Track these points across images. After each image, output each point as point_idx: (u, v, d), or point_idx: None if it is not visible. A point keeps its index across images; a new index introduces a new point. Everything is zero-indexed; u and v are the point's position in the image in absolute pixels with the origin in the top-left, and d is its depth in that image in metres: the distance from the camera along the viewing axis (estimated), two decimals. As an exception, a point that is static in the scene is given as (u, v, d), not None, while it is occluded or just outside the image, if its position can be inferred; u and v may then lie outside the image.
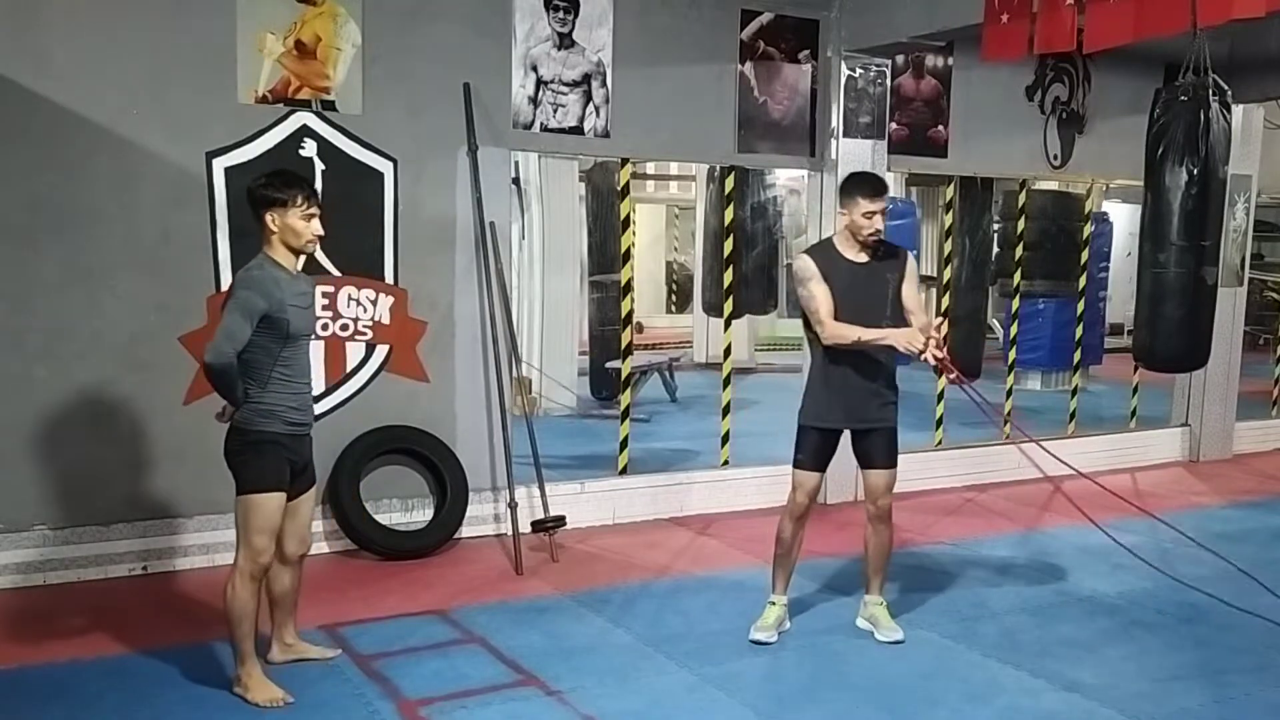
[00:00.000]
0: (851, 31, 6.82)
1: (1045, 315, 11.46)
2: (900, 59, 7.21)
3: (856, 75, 6.95)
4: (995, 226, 9.87)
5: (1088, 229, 8.97)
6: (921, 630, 4.79)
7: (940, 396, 7.78)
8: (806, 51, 6.91)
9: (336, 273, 5.72)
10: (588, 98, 6.26)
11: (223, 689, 4.03)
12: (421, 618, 4.89)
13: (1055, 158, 8.19)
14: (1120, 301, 14.40)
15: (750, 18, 6.71)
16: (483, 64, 5.97)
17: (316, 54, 5.58)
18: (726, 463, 7.03)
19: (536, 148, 6.93)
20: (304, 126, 5.58)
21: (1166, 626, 4.96)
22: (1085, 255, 8.86)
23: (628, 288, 6.68)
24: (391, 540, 5.78)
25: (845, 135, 6.94)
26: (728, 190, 7.06)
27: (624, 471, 6.70)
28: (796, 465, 4.65)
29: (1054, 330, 11.45)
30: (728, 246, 7.18)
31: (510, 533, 5.76)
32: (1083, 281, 8.86)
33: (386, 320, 5.88)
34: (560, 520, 5.89)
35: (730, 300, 7.10)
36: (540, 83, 6.12)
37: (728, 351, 7.04)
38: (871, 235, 4.48)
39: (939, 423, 7.82)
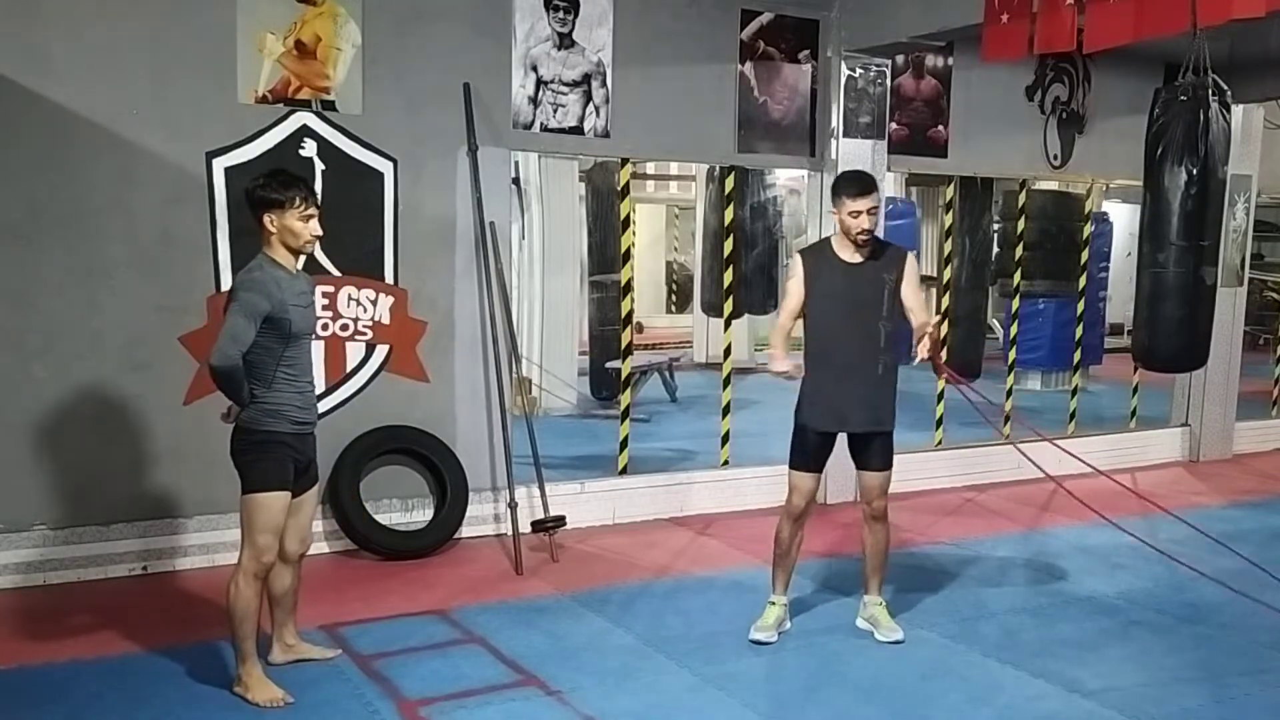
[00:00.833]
0: (851, 31, 6.83)
1: (1045, 315, 11.47)
2: (900, 59, 7.21)
3: (856, 75, 6.95)
4: (995, 226, 9.87)
5: (1088, 229, 8.97)
6: (921, 630, 4.79)
7: (940, 397, 7.78)
8: (806, 51, 6.92)
9: (336, 273, 5.72)
10: (588, 98, 6.26)
11: (223, 689, 4.03)
12: (421, 618, 4.89)
13: (1055, 158, 8.19)
14: (1120, 301, 14.40)
15: (750, 18, 6.71)
16: (483, 64, 5.97)
17: (316, 54, 5.58)
18: (726, 463, 7.03)
19: (536, 148, 6.94)
20: (304, 126, 5.58)
21: (1166, 626, 4.96)
22: (1085, 255, 8.86)
23: (628, 288, 6.69)
24: (391, 540, 5.78)
25: (845, 135, 6.95)
26: (728, 190, 7.06)
27: (624, 471, 6.70)
28: (793, 467, 4.65)
29: (1054, 330, 11.46)
30: (728, 246, 7.19)
31: (510, 533, 5.76)
32: (1083, 281, 8.86)
33: (386, 320, 5.88)
34: (560, 520, 5.89)
35: (730, 300, 7.10)
36: (540, 83, 6.12)
37: (728, 351, 7.04)
38: (861, 234, 4.47)
39: (939, 423, 7.82)
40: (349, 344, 5.81)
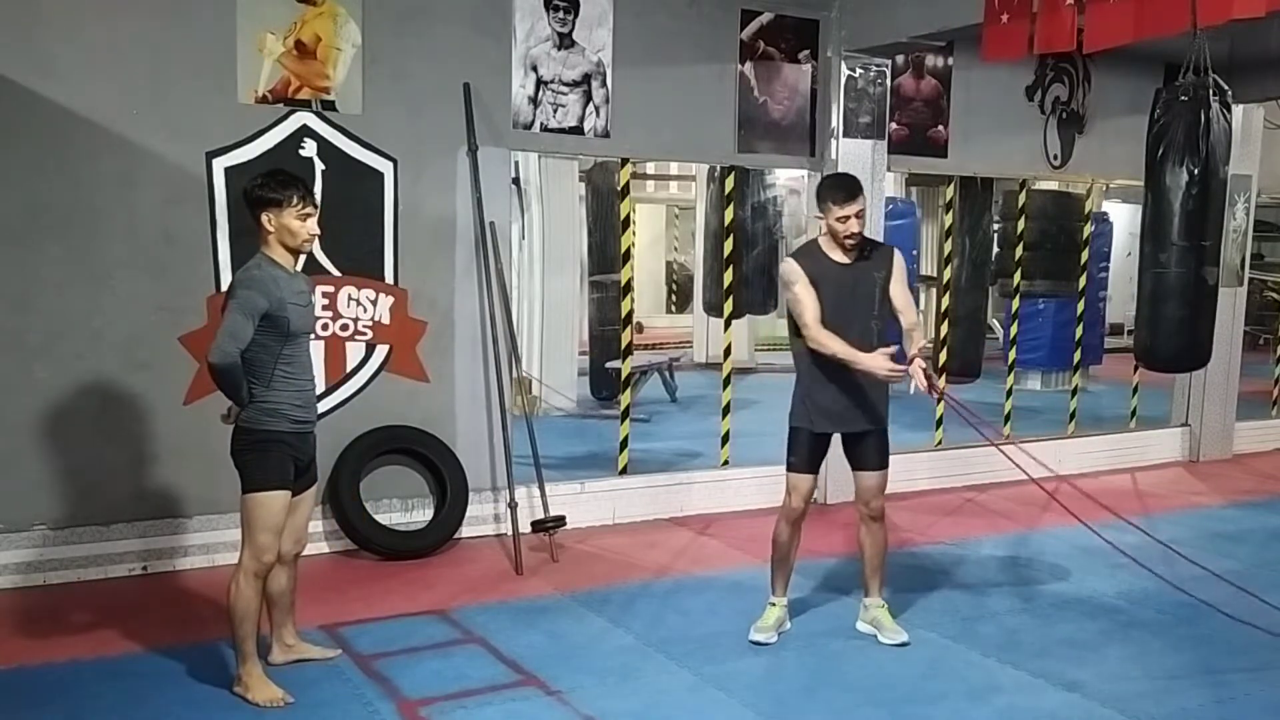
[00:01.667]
0: (851, 31, 6.82)
1: (1045, 315, 11.47)
2: (900, 59, 7.21)
3: (856, 75, 6.95)
4: (995, 226, 9.86)
5: (1088, 229, 8.97)
6: (921, 630, 4.79)
7: (940, 397, 7.76)
8: (806, 51, 6.92)
9: (336, 273, 5.72)
10: (588, 98, 6.26)
11: (223, 689, 4.03)
12: (421, 618, 4.89)
13: (1055, 158, 8.19)
14: (1120, 301, 14.41)
15: (750, 18, 6.71)
16: (483, 64, 5.97)
17: (316, 54, 5.58)
18: (726, 463, 7.03)
19: (536, 148, 6.93)
20: (304, 126, 5.58)
21: (1166, 626, 4.96)
22: (1085, 255, 8.86)
23: (628, 288, 6.68)
24: (391, 540, 5.78)
25: (845, 135, 6.94)
26: (728, 190, 7.06)
27: (624, 471, 6.70)
28: (790, 468, 4.64)
29: (1054, 330, 11.46)
30: (728, 246, 7.19)
31: (510, 533, 5.76)
32: (1083, 281, 8.86)
33: (386, 320, 5.88)
34: (560, 520, 5.89)
35: (730, 300, 7.10)
36: (540, 83, 6.12)
37: (728, 351, 7.04)
38: (849, 238, 4.46)
39: (939, 423, 7.82)
40: (349, 344, 5.81)
